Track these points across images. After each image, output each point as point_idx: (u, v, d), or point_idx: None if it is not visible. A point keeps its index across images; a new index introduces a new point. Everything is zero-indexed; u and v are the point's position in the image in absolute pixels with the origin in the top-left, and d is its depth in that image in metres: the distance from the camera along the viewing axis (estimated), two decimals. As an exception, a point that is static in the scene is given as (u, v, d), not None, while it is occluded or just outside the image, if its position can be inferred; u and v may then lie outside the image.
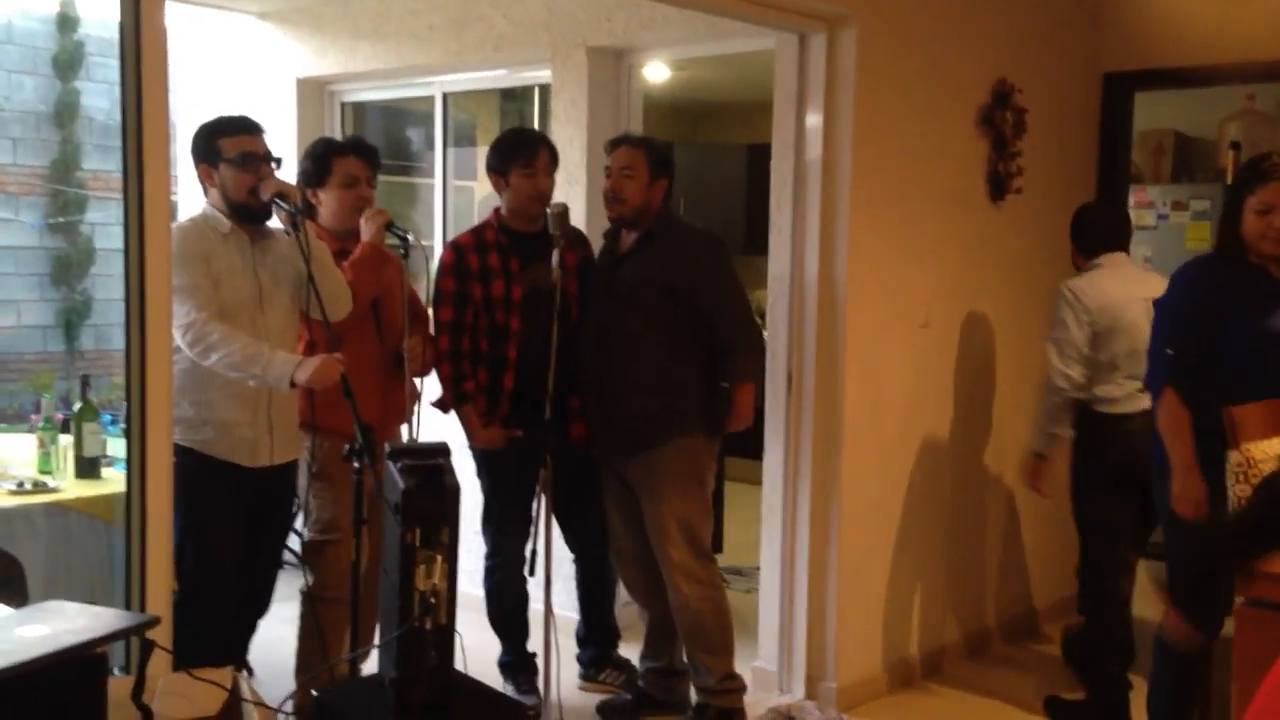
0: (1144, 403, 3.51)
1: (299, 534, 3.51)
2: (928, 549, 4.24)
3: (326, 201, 3.53)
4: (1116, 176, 4.94)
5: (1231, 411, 2.99)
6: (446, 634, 2.30)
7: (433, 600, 2.26)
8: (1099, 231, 3.90)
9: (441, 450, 2.53)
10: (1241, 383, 3.06)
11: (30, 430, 3.68)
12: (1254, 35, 4.43)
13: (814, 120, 3.81)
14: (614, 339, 3.55)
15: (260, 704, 2.13)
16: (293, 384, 3.03)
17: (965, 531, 4.43)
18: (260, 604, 3.39)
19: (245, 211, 3.16)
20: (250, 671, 3.61)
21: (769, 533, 3.97)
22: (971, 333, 4.36)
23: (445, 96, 5.15)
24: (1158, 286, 3.47)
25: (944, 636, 4.32)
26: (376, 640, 2.72)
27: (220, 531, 3.14)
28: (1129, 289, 3.74)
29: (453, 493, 2.39)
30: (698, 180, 6.62)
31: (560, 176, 3.81)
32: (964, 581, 4.45)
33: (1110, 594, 3.79)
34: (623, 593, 3.99)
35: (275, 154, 3.19)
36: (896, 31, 3.90)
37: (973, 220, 4.31)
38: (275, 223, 3.24)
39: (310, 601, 3.46)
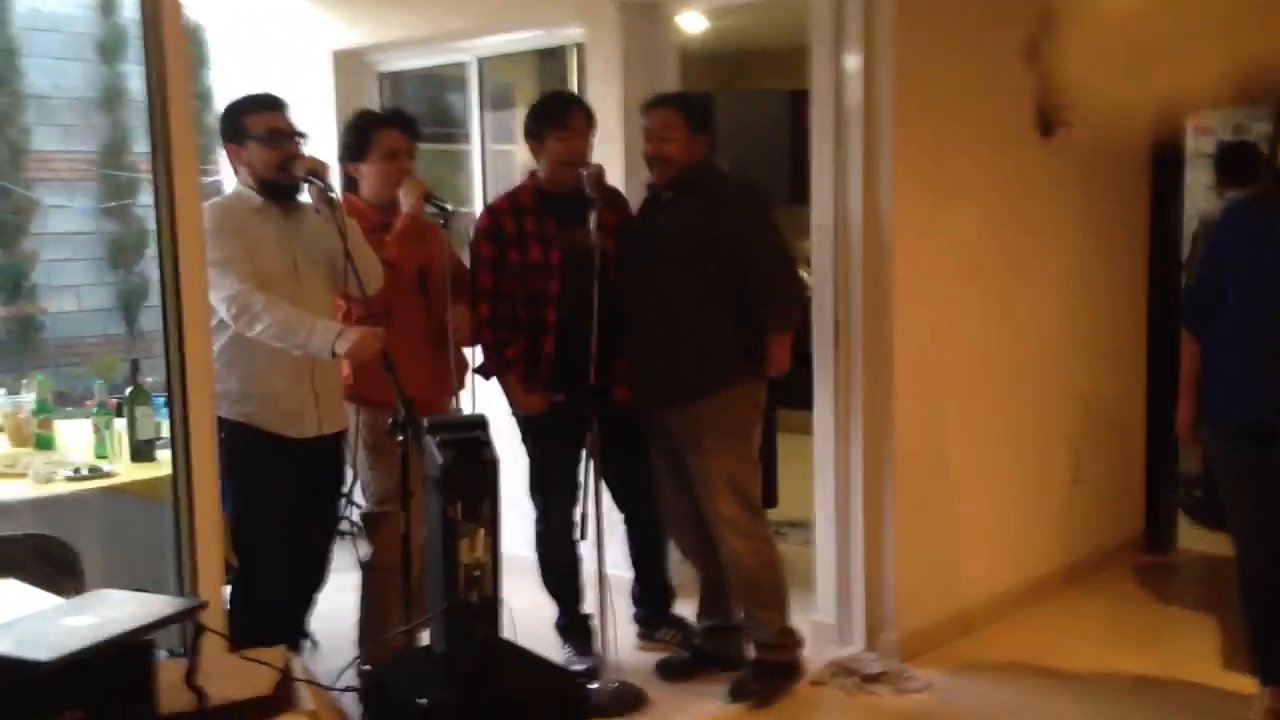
0: None
1: (357, 505, 3.54)
2: (985, 494, 4.16)
3: (367, 174, 3.52)
4: (1173, 102, 4.78)
5: None
6: (492, 605, 2.32)
7: (476, 573, 2.28)
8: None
9: (479, 423, 2.53)
10: (1237, 321, 3.13)
11: (88, 415, 3.75)
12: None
13: (853, 62, 3.71)
14: (653, 290, 3.51)
15: (313, 682, 2.16)
16: (334, 354, 3.05)
17: (1023, 475, 4.35)
18: (316, 577, 3.43)
19: (274, 187, 3.19)
20: (314, 643, 3.67)
21: (822, 484, 3.92)
22: (1023, 272, 4.24)
23: (480, 61, 5.10)
24: None
25: (1005, 582, 4.26)
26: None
27: (273, 504, 3.18)
28: None
29: (491, 465, 2.39)
30: (741, 129, 6.50)
31: (598, 135, 3.76)
32: (1023, 526, 4.38)
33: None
34: (676, 550, 3.98)
35: (300, 129, 3.21)
36: (934, -35, 3.77)
37: (1022, 157, 4.18)
38: (304, 198, 3.25)
39: (368, 572, 3.50)
